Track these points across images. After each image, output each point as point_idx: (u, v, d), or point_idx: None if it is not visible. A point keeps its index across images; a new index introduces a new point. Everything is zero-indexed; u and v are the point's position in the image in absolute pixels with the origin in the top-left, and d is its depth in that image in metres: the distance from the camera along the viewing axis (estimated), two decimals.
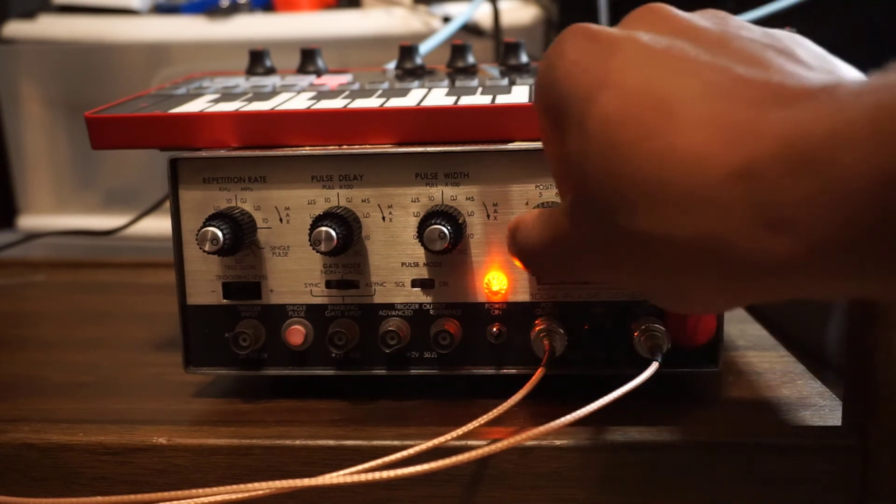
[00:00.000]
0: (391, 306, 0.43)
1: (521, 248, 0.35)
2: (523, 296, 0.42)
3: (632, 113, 0.25)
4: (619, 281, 0.29)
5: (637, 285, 0.29)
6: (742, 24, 0.28)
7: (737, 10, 0.72)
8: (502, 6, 0.95)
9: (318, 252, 0.40)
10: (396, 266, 0.43)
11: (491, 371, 0.43)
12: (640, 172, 0.25)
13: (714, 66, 0.25)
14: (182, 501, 0.36)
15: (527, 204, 0.41)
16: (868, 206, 0.20)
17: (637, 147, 0.25)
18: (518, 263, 0.36)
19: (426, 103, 0.44)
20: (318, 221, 0.40)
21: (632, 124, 0.25)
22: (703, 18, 0.28)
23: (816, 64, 0.25)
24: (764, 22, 0.69)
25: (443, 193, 0.42)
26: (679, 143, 0.24)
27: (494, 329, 0.42)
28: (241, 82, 0.53)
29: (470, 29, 0.95)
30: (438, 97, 0.45)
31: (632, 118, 0.25)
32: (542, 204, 0.41)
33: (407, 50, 0.55)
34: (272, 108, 0.44)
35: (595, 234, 0.28)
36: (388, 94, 0.47)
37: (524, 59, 0.54)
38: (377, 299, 0.43)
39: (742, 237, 0.23)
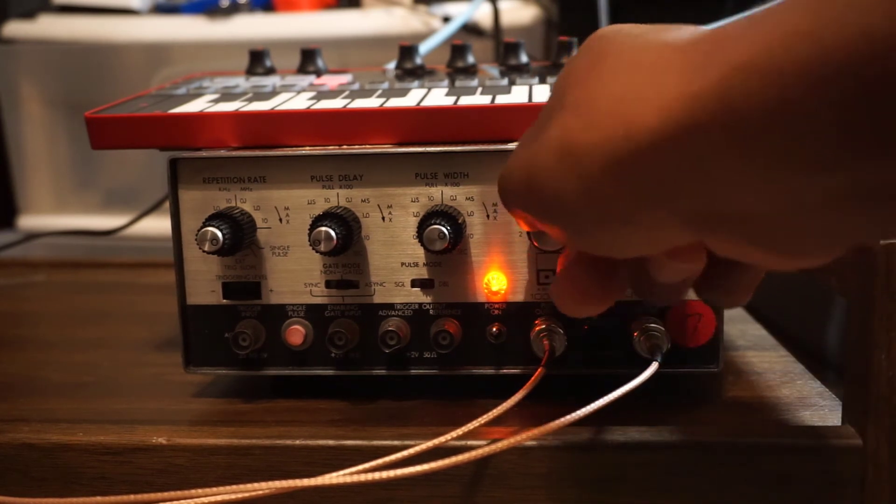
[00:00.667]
0: (391, 306, 0.43)
1: (554, 284, 0.36)
2: (523, 296, 0.42)
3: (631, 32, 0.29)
4: (551, 189, 0.30)
5: (558, 193, 0.29)
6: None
7: (737, 10, 0.72)
8: (502, 6, 0.95)
9: (317, 252, 0.40)
10: (396, 266, 0.43)
11: (491, 371, 0.43)
12: (617, 50, 0.28)
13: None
14: (182, 501, 0.36)
15: None
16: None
17: (622, 44, 0.28)
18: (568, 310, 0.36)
19: (426, 103, 0.44)
20: (317, 221, 0.40)
21: (625, 37, 0.29)
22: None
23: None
24: None
25: (442, 193, 0.42)
26: (657, 37, 0.27)
27: (494, 329, 0.42)
28: (241, 82, 0.53)
29: (470, 29, 0.95)
30: (438, 97, 0.45)
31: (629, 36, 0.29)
32: None
33: (407, 50, 0.55)
34: (272, 108, 0.44)
35: (545, 124, 0.30)
36: (387, 94, 0.47)
37: (524, 59, 0.54)
38: (377, 299, 0.43)
39: (666, 88, 0.25)
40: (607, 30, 0.31)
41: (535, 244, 0.41)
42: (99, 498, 0.36)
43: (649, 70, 0.26)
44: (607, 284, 0.34)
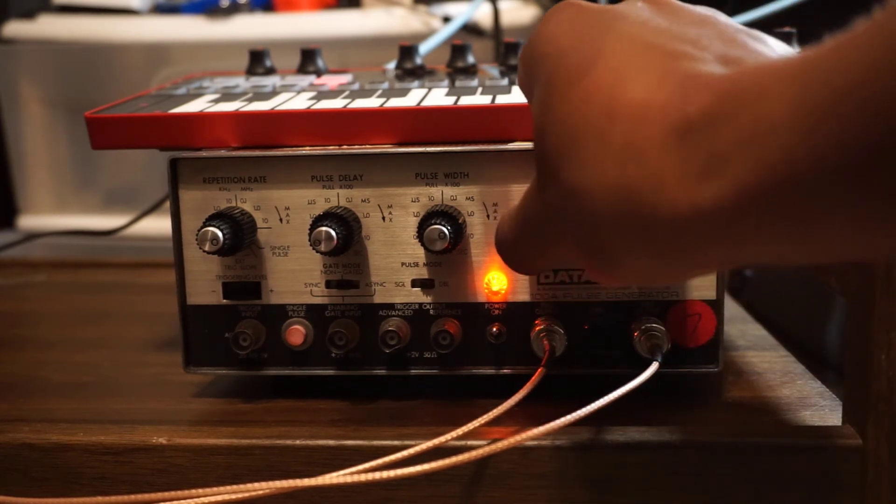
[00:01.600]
0: (391, 306, 0.43)
1: (497, 236, 0.36)
2: (523, 296, 0.42)
3: (586, 71, 0.27)
4: (566, 256, 0.30)
5: (575, 254, 0.29)
6: (722, 19, 0.29)
7: (736, 9, 0.72)
8: (502, 6, 0.95)
9: (318, 252, 0.40)
10: (396, 266, 0.43)
11: (491, 371, 0.43)
12: (586, 123, 0.26)
13: (671, 34, 0.27)
14: (182, 501, 0.36)
15: None
16: (789, 147, 0.21)
17: (586, 100, 0.26)
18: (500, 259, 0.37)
19: (426, 103, 0.44)
20: (317, 221, 0.40)
21: (585, 81, 0.27)
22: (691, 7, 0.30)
23: (780, 50, 0.27)
24: (765, 21, 0.69)
25: (443, 193, 0.42)
26: (624, 97, 0.25)
27: (494, 329, 0.42)
28: (241, 82, 0.53)
29: (470, 29, 0.95)
30: (438, 97, 0.45)
31: (585, 76, 0.27)
32: None
33: (407, 50, 0.55)
34: (272, 108, 0.44)
35: (548, 200, 0.29)
36: (388, 94, 0.47)
37: None
38: (377, 299, 0.43)
39: (671, 188, 0.24)
40: (566, 45, 0.29)
41: None
42: (99, 498, 0.36)
43: (642, 161, 0.24)
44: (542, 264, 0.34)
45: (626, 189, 0.25)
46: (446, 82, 0.50)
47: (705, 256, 0.25)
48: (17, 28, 1.08)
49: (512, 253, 0.36)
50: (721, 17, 0.29)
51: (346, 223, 0.41)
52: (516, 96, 0.44)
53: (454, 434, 0.36)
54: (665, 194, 0.24)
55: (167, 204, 0.43)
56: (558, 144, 0.27)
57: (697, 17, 0.28)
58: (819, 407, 0.42)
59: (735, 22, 0.29)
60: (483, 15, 0.96)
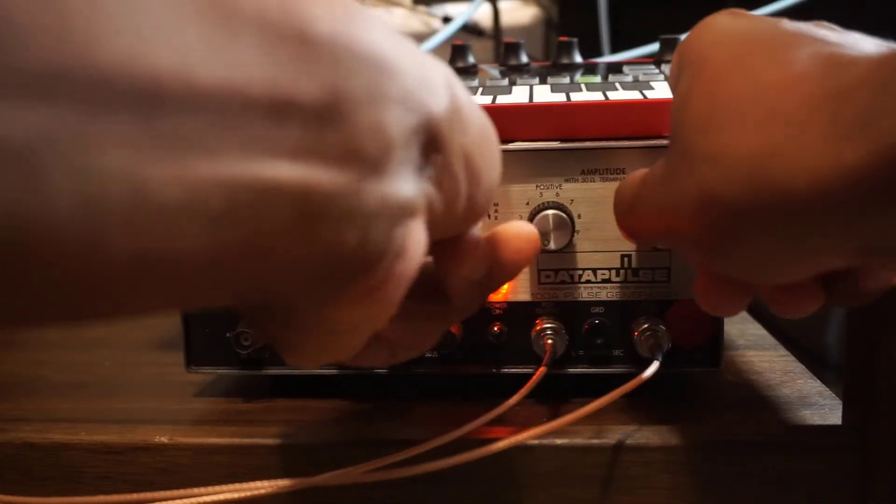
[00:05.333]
0: None
1: (618, 191, 0.36)
2: (524, 295, 0.42)
3: (745, 53, 0.27)
4: (688, 235, 0.29)
5: (692, 234, 0.29)
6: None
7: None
8: (502, 6, 0.95)
9: None
10: None
11: (492, 371, 0.43)
12: (731, 95, 0.26)
13: (819, 33, 0.27)
14: (184, 500, 0.36)
15: (527, 204, 0.41)
16: None
17: (735, 75, 0.27)
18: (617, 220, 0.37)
19: None
20: None
21: (736, 64, 0.27)
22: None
23: None
24: None
25: None
26: (773, 72, 0.26)
27: (495, 329, 0.42)
28: None
29: (470, 29, 0.95)
30: None
31: (743, 56, 0.27)
32: (542, 203, 0.41)
33: None
34: None
35: (678, 176, 0.29)
36: None
37: (524, 59, 0.54)
38: None
39: (815, 147, 0.23)
40: (720, 38, 0.30)
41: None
42: (101, 497, 0.36)
43: (788, 122, 0.24)
44: (738, 300, 0.33)
45: (766, 154, 0.24)
46: None
47: (831, 238, 0.25)
48: None
49: (624, 207, 0.36)
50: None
51: None
52: (516, 96, 0.44)
53: (454, 434, 0.36)
54: (808, 153, 0.23)
55: None
56: (700, 115, 0.27)
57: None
58: (819, 406, 0.42)
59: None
60: (483, 15, 0.96)
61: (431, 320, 0.33)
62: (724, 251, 0.27)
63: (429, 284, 0.31)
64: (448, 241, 0.28)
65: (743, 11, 0.32)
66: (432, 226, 0.25)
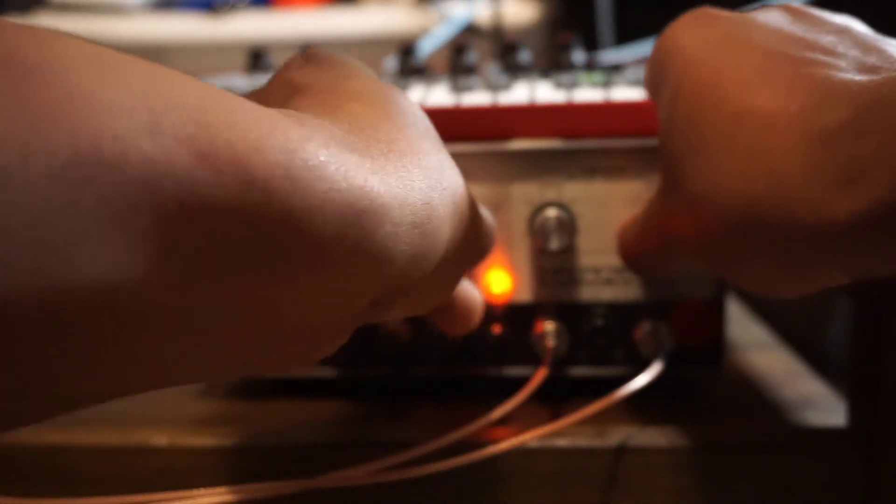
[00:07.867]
0: None
1: (619, 237, 0.37)
2: (525, 296, 0.42)
3: (716, 79, 0.27)
4: (686, 259, 0.30)
5: (697, 260, 0.29)
6: (860, 27, 0.29)
7: (736, 9, 0.72)
8: (502, 6, 0.95)
9: None
10: None
11: (492, 371, 0.43)
12: (714, 128, 0.26)
13: (804, 42, 0.27)
14: (182, 502, 0.36)
15: (528, 203, 0.41)
16: None
17: (715, 105, 0.26)
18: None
19: (426, 103, 0.44)
20: None
21: (714, 88, 0.27)
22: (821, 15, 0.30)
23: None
24: None
25: None
26: (753, 103, 0.25)
27: (496, 329, 0.42)
28: (241, 82, 0.52)
29: (470, 29, 0.95)
30: (438, 97, 0.45)
31: (715, 85, 0.27)
32: (544, 203, 0.41)
33: (407, 49, 0.55)
34: None
35: (673, 203, 0.29)
36: None
37: (524, 58, 0.54)
38: None
39: (804, 197, 0.23)
40: (692, 55, 0.29)
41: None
42: (99, 499, 0.36)
43: (771, 169, 0.24)
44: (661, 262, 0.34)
45: (754, 197, 0.24)
46: (446, 82, 0.50)
47: (826, 269, 0.25)
48: None
49: (632, 254, 0.37)
50: (859, 25, 0.29)
51: None
52: (516, 96, 0.44)
53: (455, 436, 0.36)
54: (797, 203, 0.23)
55: None
56: (685, 148, 0.27)
57: (834, 25, 0.28)
58: (822, 407, 0.42)
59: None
60: (483, 15, 0.96)
61: None
62: (725, 268, 0.28)
63: None
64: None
65: (710, 14, 0.31)
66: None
